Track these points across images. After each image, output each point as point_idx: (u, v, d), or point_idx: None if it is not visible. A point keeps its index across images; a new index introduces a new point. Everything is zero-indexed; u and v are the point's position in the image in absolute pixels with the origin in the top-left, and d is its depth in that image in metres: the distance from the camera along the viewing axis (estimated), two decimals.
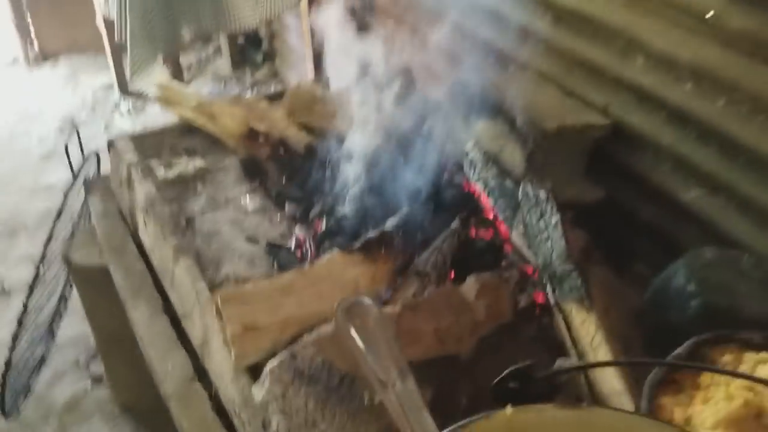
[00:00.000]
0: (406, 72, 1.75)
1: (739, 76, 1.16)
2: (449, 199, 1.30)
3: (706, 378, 0.56)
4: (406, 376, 0.51)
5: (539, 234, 1.17)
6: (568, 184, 1.50)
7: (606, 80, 1.46)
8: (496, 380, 0.55)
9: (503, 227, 1.29)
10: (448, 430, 0.42)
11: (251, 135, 1.50)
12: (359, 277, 1.05)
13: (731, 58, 1.17)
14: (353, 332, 0.54)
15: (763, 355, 0.58)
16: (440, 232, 1.19)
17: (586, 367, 0.79)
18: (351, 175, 1.34)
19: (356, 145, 1.44)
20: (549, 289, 1.10)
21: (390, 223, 1.16)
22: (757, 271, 1.13)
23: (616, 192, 1.47)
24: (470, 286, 1.04)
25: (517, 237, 1.25)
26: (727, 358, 0.60)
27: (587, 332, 1.02)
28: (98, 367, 2.09)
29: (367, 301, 0.60)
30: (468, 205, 1.32)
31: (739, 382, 0.56)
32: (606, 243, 1.38)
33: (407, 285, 1.05)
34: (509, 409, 0.44)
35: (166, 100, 1.63)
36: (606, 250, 1.37)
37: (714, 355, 0.60)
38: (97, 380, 2.10)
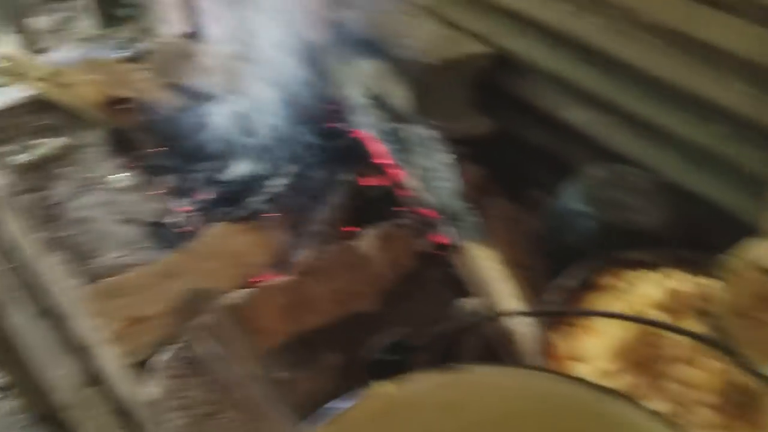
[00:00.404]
0: (285, 17, 1.67)
1: None
2: (337, 150, 1.26)
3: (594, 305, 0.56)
4: (257, 374, 0.47)
5: (433, 174, 1.15)
6: (457, 119, 1.48)
7: (484, 8, 1.43)
8: (371, 358, 0.53)
9: (398, 172, 1.26)
10: (315, 424, 0.38)
11: (114, 103, 1.39)
12: (250, 247, 1.00)
13: None
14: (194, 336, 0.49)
15: (655, 274, 0.58)
16: (331, 186, 1.15)
17: (461, 330, 0.78)
18: (231, 135, 1.27)
19: (234, 102, 1.36)
20: (449, 229, 1.09)
21: (276, 184, 1.10)
22: (645, 183, 1.15)
23: (507, 121, 1.47)
24: (368, 239, 1.01)
25: (412, 181, 1.23)
26: (607, 280, 0.59)
27: (491, 268, 1.02)
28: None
29: (207, 294, 0.55)
30: (358, 154, 1.27)
31: (619, 305, 0.56)
32: (502, 174, 1.39)
33: (302, 247, 1.01)
34: (384, 385, 0.40)
35: (11, 73, 1.47)
36: (503, 182, 1.38)
37: (606, 280, 0.60)
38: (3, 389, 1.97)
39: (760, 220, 0.97)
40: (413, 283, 1.03)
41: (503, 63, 1.43)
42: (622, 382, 0.49)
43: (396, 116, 1.31)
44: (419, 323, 0.85)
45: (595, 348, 0.52)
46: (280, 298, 0.81)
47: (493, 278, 1.00)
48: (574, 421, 0.42)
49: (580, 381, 0.44)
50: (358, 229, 1.04)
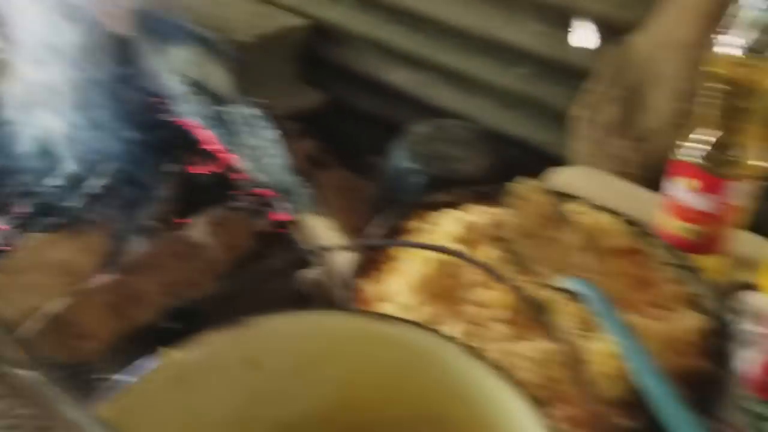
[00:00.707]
0: (84, 13, 1.58)
1: None
2: (161, 141, 1.21)
3: (403, 252, 0.58)
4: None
5: (262, 153, 1.14)
6: (284, 94, 1.48)
7: None
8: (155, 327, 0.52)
9: (227, 156, 1.24)
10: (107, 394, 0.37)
11: None
12: (74, 254, 0.95)
13: None
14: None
15: (456, 212, 0.61)
16: (157, 179, 1.11)
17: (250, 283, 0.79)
18: (42, 141, 1.20)
19: (40, 105, 1.28)
20: (286, 206, 1.09)
21: (94, 185, 1.05)
22: (465, 133, 1.21)
23: (336, 91, 1.48)
24: (198, 227, 0.98)
25: (244, 163, 1.21)
26: (413, 224, 0.62)
27: (329, 237, 1.03)
28: None
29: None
30: (184, 143, 1.24)
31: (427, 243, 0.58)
32: (336, 144, 1.40)
33: (130, 245, 0.97)
34: (171, 352, 0.40)
35: None
36: (338, 152, 1.39)
37: (413, 224, 0.62)
38: None
39: (567, 151, 1.04)
40: (255, 264, 1.02)
41: (321, 33, 1.43)
42: (423, 313, 0.51)
43: (217, 100, 1.29)
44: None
45: (398, 286, 0.54)
46: (104, 299, 0.78)
47: (332, 246, 1.01)
48: (373, 355, 0.43)
49: (375, 316, 0.45)
50: (189, 219, 1.02)
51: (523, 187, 0.63)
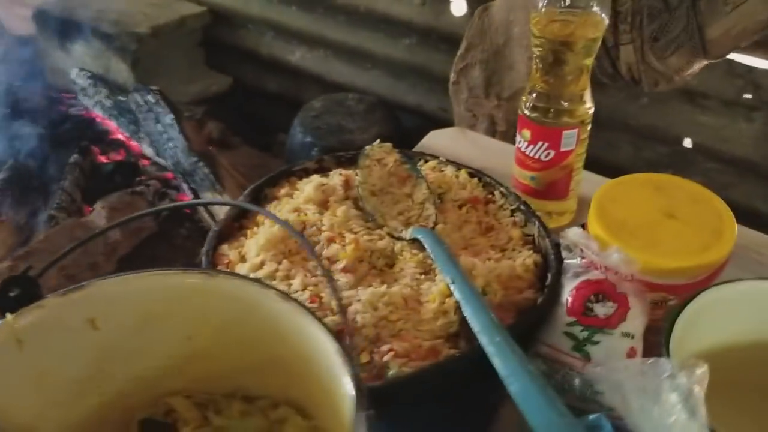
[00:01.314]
0: None
1: None
2: (66, 134, 1.20)
3: (262, 218, 0.59)
4: None
5: (160, 137, 1.14)
6: (191, 81, 1.46)
7: None
8: None
9: (131, 144, 1.22)
10: None
11: None
12: None
13: None
14: None
15: (318, 177, 0.62)
16: (60, 170, 1.10)
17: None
18: None
19: None
20: (185, 186, 1.09)
21: None
22: (360, 105, 1.22)
23: (240, 74, 1.48)
24: (98, 212, 0.98)
25: (146, 149, 1.20)
26: (283, 191, 0.63)
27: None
28: None
29: None
30: (89, 134, 1.22)
31: (285, 208, 0.59)
32: (244, 124, 1.40)
33: (34, 234, 0.96)
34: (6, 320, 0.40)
35: None
36: (246, 131, 1.39)
37: (274, 193, 0.63)
38: None
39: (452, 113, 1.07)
40: (159, 244, 1.02)
41: (219, 19, 1.42)
42: (269, 269, 0.52)
43: (119, 91, 1.27)
44: None
45: (252, 247, 0.55)
46: None
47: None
48: (209, 308, 0.44)
49: (206, 272, 0.46)
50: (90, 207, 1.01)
51: (374, 149, 0.64)
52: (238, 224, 0.61)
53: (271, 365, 0.46)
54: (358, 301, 0.49)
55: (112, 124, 1.23)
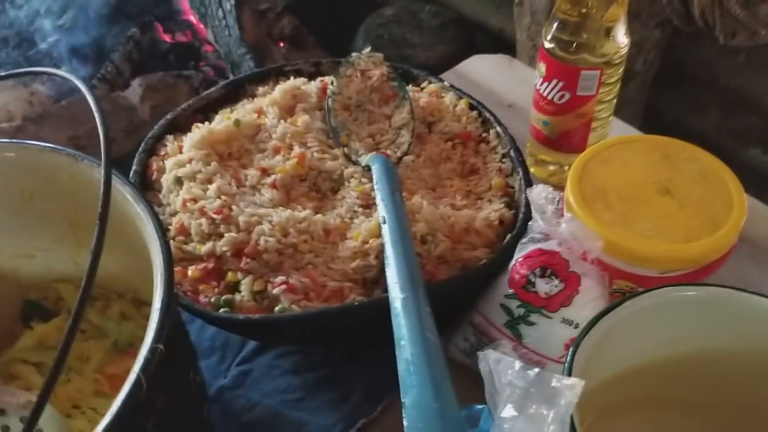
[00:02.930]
0: None
1: None
2: (136, 6, 1.20)
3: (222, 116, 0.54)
4: None
5: (220, 24, 1.11)
6: None
7: None
8: None
9: (199, 26, 1.21)
10: None
11: None
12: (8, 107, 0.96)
13: None
14: None
15: (298, 80, 0.57)
16: (118, 41, 1.10)
17: None
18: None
19: None
20: (231, 77, 1.06)
21: (50, 40, 1.05)
22: (436, 19, 1.13)
23: None
24: (134, 88, 0.97)
25: (210, 34, 1.18)
26: (262, 90, 0.58)
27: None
28: None
29: None
30: (160, 9, 1.22)
31: (248, 107, 0.55)
32: (323, 24, 1.34)
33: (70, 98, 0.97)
34: None
35: None
36: (320, 32, 1.33)
37: (254, 90, 0.58)
38: None
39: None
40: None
41: None
42: (195, 167, 0.48)
43: None
44: None
45: (187, 142, 0.51)
46: None
47: None
48: (77, 187, 0.41)
49: (81, 155, 0.42)
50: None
51: (361, 58, 0.57)
52: (202, 116, 0.57)
53: (136, 266, 0.42)
54: (272, 220, 0.44)
55: (186, 4, 1.22)
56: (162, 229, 0.33)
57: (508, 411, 0.25)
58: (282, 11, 1.28)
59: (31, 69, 0.54)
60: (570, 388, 0.28)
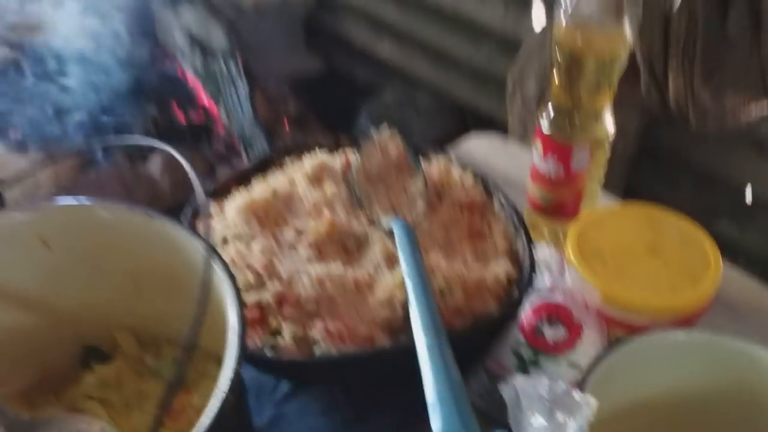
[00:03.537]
0: None
1: None
2: (153, 86, 1.28)
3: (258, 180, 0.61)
4: None
5: (234, 106, 1.19)
6: (286, 60, 1.52)
7: None
8: None
9: (212, 107, 1.29)
10: None
11: None
12: (42, 176, 1.02)
13: None
14: None
15: (322, 154, 0.63)
16: (137, 117, 1.17)
17: None
18: (50, 78, 1.27)
19: (60, 48, 1.36)
20: (244, 153, 1.13)
21: (77, 117, 1.12)
22: (432, 103, 1.22)
23: (334, 60, 1.51)
24: (154, 163, 1.03)
25: (221, 113, 1.26)
26: (288, 161, 0.64)
27: None
28: None
29: None
30: (176, 90, 1.30)
31: (280, 176, 0.61)
32: (330, 108, 1.43)
33: (93, 171, 1.03)
34: None
35: None
36: (330, 115, 1.42)
37: (287, 160, 0.65)
38: None
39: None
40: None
41: (323, 5, 1.46)
42: (239, 229, 0.54)
43: (211, 55, 1.34)
44: None
45: (231, 205, 0.57)
46: None
47: None
48: (152, 245, 0.46)
49: (157, 215, 0.48)
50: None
51: (380, 135, 0.64)
52: (235, 182, 0.64)
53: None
54: (307, 275, 0.50)
55: (199, 86, 1.30)
56: (237, 289, 0.38)
57: (537, 420, 0.30)
58: (287, 95, 1.37)
59: (132, 139, 0.60)
60: (587, 402, 0.33)
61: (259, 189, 0.59)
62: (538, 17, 0.97)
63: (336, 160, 0.63)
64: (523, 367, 0.48)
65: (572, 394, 0.31)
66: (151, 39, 1.43)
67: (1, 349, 0.48)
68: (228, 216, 0.56)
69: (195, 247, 0.44)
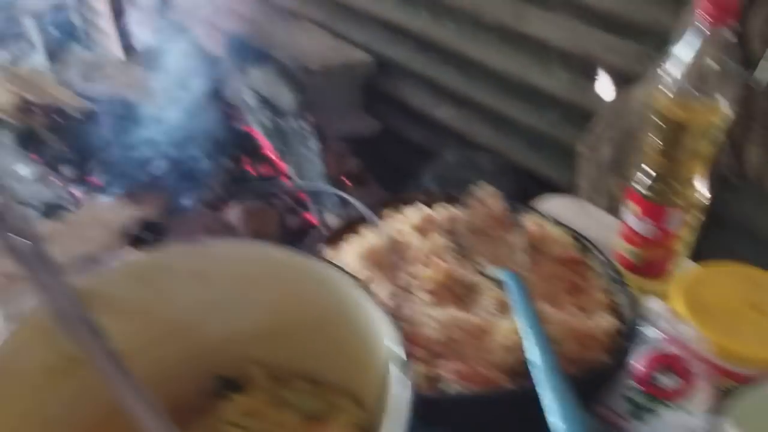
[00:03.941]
0: (186, 32, 1.75)
1: (461, 0, 1.28)
2: (224, 142, 1.34)
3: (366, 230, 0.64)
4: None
5: (305, 161, 1.24)
6: (345, 119, 1.58)
7: (364, 20, 1.54)
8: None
9: (278, 161, 1.34)
10: (75, 276, 0.45)
11: (26, 106, 1.45)
12: (128, 219, 1.06)
13: None
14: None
15: (423, 207, 0.67)
16: (213, 169, 1.23)
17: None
18: (130, 131, 1.34)
19: (137, 104, 1.43)
20: (313, 206, 1.17)
21: (158, 166, 1.18)
22: (492, 165, 1.26)
23: (390, 121, 1.57)
24: (234, 212, 1.08)
25: (290, 168, 1.31)
26: (390, 213, 0.68)
27: None
28: None
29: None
30: (244, 145, 1.36)
31: (388, 226, 0.65)
32: (385, 168, 1.48)
33: (175, 218, 1.08)
34: (140, 252, 0.48)
35: None
36: (381, 173, 1.47)
37: (387, 212, 0.69)
38: None
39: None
40: None
41: (383, 68, 1.53)
42: (361, 274, 0.57)
43: (280, 114, 1.40)
44: None
45: (349, 253, 0.61)
46: None
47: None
48: (296, 281, 0.49)
49: (295, 251, 0.52)
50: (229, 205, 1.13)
51: (481, 191, 0.68)
52: (342, 234, 0.67)
53: (337, 351, 0.50)
54: (433, 318, 0.53)
55: (266, 142, 1.36)
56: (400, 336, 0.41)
57: None
58: (346, 152, 1.42)
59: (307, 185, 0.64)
60: None
61: (373, 237, 0.63)
62: (607, 88, 1.03)
63: (438, 213, 0.67)
64: (638, 414, 0.51)
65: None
66: (220, 97, 1.51)
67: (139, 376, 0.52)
68: (346, 261, 0.60)
69: (341, 283, 0.47)
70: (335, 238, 0.65)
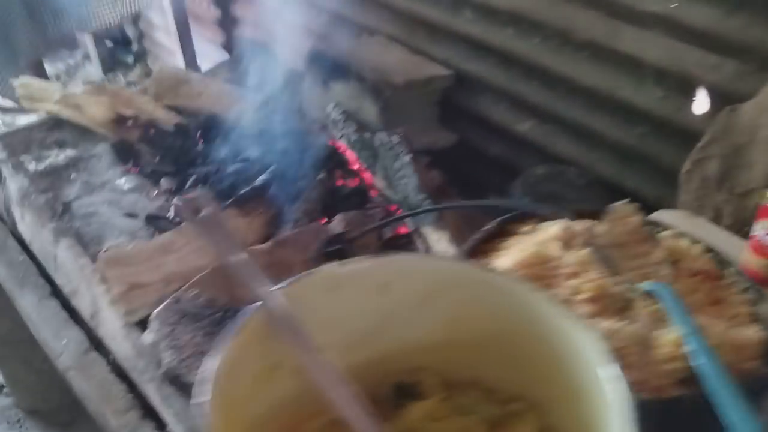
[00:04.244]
0: (266, 48, 1.80)
1: (547, 16, 1.30)
2: (315, 156, 1.37)
3: (508, 243, 0.67)
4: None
5: (396, 174, 1.27)
6: (423, 132, 1.60)
7: (443, 35, 1.56)
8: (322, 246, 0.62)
9: (367, 174, 1.37)
10: (280, 285, 0.49)
11: (120, 120, 1.50)
12: (235, 230, 1.10)
13: (539, 1, 1.31)
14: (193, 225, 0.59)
15: (560, 221, 0.70)
16: (309, 185, 1.26)
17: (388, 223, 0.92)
18: (223, 145, 1.39)
19: (225, 118, 1.48)
20: (410, 219, 1.20)
21: (261, 179, 1.22)
22: (581, 179, 1.27)
23: (467, 135, 1.59)
24: (337, 222, 1.11)
25: (379, 181, 1.34)
26: (525, 228, 0.70)
27: (440, 246, 1.12)
28: None
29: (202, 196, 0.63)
30: (333, 159, 1.39)
31: (531, 240, 0.67)
32: (460, 179, 1.50)
33: (281, 228, 1.11)
34: (330, 265, 0.51)
35: (30, 98, 1.59)
36: (460, 186, 1.49)
37: (516, 228, 0.71)
38: None
39: (673, 205, 1.09)
40: None
41: (462, 82, 1.55)
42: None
43: (365, 128, 1.43)
44: None
45: (503, 264, 0.63)
46: (260, 261, 0.91)
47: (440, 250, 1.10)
48: (473, 295, 0.52)
49: (481, 265, 0.54)
50: (328, 217, 1.16)
51: (621, 207, 0.70)
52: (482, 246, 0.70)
53: (514, 361, 0.52)
54: (600, 329, 0.55)
55: (352, 155, 1.39)
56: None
57: None
58: (427, 165, 1.45)
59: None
60: None
61: (520, 249, 0.65)
62: (705, 105, 1.04)
63: (580, 227, 0.69)
64: None
65: None
66: (304, 112, 1.54)
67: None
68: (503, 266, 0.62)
69: (530, 297, 0.49)
70: (473, 251, 0.68)
